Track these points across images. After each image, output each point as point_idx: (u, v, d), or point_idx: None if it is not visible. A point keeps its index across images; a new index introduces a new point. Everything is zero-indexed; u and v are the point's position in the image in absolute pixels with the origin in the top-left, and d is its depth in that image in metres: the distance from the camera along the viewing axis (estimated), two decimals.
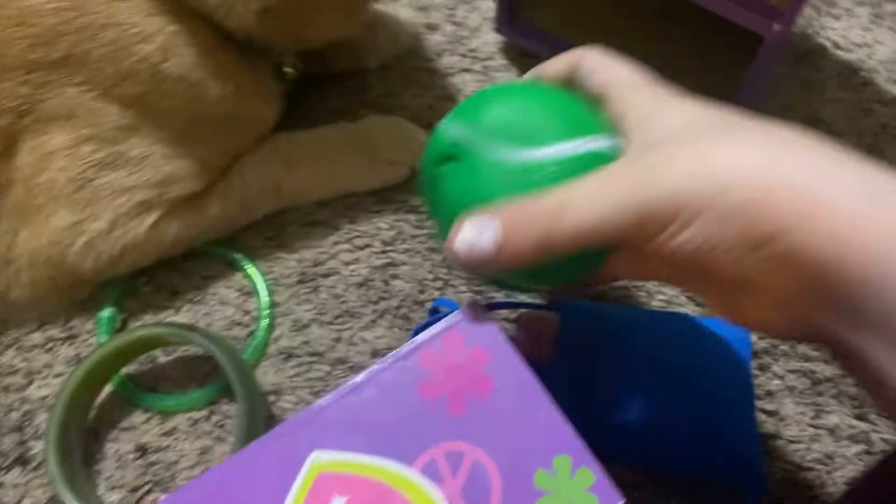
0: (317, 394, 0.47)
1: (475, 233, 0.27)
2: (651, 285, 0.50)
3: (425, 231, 0.52)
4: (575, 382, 0.41)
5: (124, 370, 0.48)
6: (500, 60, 0.59)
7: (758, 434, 0.42)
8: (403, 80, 0.58)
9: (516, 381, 0.30)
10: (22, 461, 0.46)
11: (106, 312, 0.49)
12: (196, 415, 0.47)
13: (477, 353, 0.30)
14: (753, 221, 0.22)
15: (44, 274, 0.46)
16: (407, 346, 0.31)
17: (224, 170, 0.49)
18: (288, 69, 0.50)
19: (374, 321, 0.50)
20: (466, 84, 0.57)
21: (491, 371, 0.30)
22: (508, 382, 0.30)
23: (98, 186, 0.44)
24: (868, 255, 0.21)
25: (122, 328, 0.50)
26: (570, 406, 0.33)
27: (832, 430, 0.46)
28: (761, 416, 0.46)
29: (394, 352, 0.31)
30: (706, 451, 0.41)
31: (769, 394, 0.47)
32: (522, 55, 0.58)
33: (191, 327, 0.45)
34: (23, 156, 0.43)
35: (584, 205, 0.26)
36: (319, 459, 0.28)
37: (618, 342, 0.43)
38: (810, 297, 0.23)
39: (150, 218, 0.46)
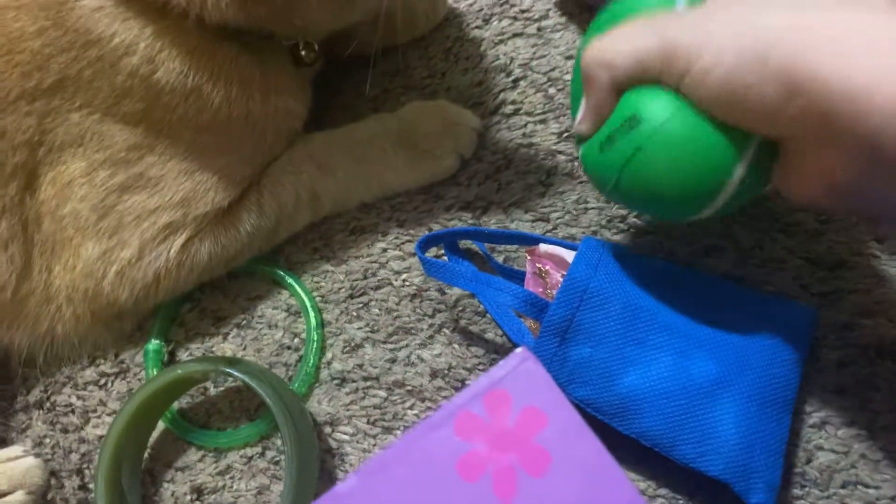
0: (374, 423, 0.43)
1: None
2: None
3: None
4: (575, 332, 0.35)
5: (176, 405, 0.45)
6: (555, 19, 0.50)
7: (783, 440, 0.35)
8: (446, 56, 0.51)
9: (582, 453, 0.24)
10: None
11: (152, 345, 0.46)
12: (250, 451, 0.44)
13: (529, 418, 0.24)
14: (783, 68, 0.25)
15: (84, 308, 0.44)
16: (440, 412, 0.25)
17: (252, 179, 0.45)
18: (303, 52, 0.44)
19: (430, 337, 0.44)
20: (519, 51, 0.50)
21: (548, 441, 0.24)
22: (571, 455, 0.24)
23: (121, 212, 0.41)
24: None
25: (171, 359, 0.47)
26: (560, 359, 0.33)
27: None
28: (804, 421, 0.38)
29: (425, 418, 0.25)
30: (714, 442, 0.34)
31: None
32: (581, 9, 0.50)
33: (231, 361, 0.42)
34: (46, 189, 0.41)
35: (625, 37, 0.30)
36: None
37: (641, 298, 0.36)
38: (842, 155, 0.25)
39: (179, 240, 0.43)
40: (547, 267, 0.41)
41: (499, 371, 0.25)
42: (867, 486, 0.37)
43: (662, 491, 0.38)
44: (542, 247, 0.41)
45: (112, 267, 0.42)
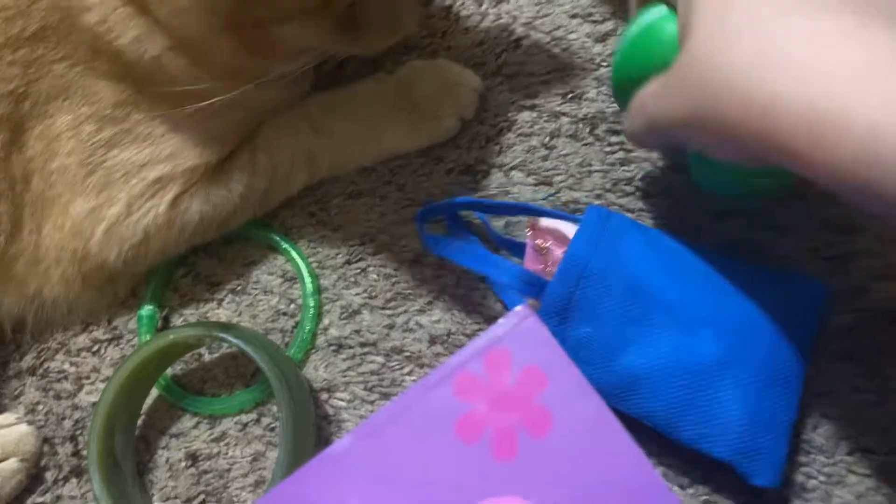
0: (371, 389, 0.42)
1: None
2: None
3: (482, 193, 0.45)
4: (575, 311, 0.34)
5: (170, 371, 0.44)
6: None
7: (790, 421, 0.34)
8: (446, 15, 0.49)
9: (584, 413, 0.23)
10: (78, 472, 0.44)
11: (145, 311, 0.45)
12: (245, 418, 0.43)
13: (530, 377, 0.23)
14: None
15: (74, 270, 0.43)
16: (437, 371, 0.24)
17: (245, 135, 0.43)
18: None
19: (430, 303, 0.43)
20: (522, 10, 0.48)
21: (550, 400, 0.23)
22: (573, 415, 0.23)
23: (109, 168, 0.40)
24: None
25: (165, 325, 0.46)
26: (560, 339, 0.31)
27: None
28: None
29: (422, 378, 0.24)
30: (717, 423, 0.33)
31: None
32: None
33: (226, 326, 0.41)
34: (33, 144, 0.40)
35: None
36: None
37: (643, 275, 0.35)
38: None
39: (168, 195, 0.41)
40: (548, 243, 0.40)
41: (498, 329, 0.24)
42: (874, 453, 0.36)
43: (662, 469, 0.37)
44: (543, 221, 0.40)
45: (100, 225, 0.41)
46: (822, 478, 0.36)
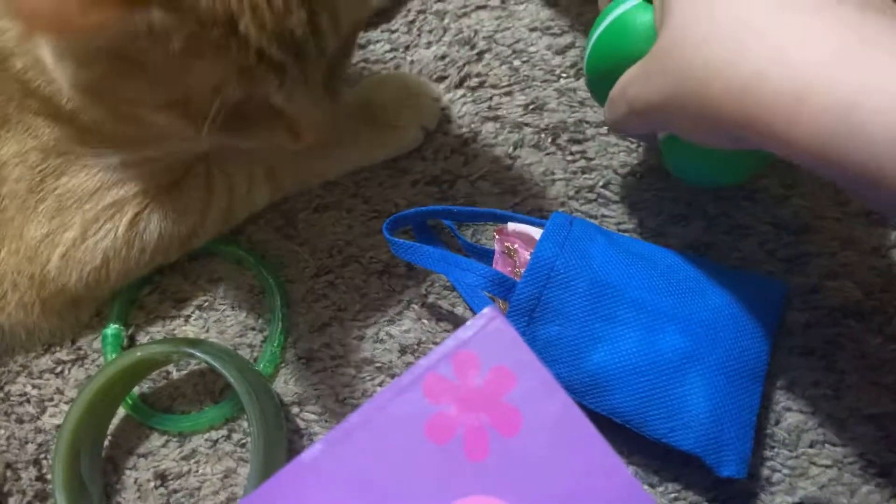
0: (343, 401, 0.42)
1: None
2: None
3: (449, 203, 0.45)
4: (543, 311, 0.35)
5: (137, 390, 0.44)
6: None
7: (753, 412, 0.35)
8: (409, 29, 0.50)
9: (553, 411, 0.23)
10: (42, 497, 0.43)
11: (110, 330, 0.45)
12: (215, 434, 0.43)
13: (499, 377, 0.24)
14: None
15: (31, 295, 0.42)
16: (406, 375, 0.24)
17: (200, 155, 0.43)
18: None
19: (399, 313, 0.43)
20: (483, 24, 0.49)
21: (518, 400, 0.23)
22: (543, 414, 0.23)
23: (60, 195, 0.40)
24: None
25: (131, 344, 0.45)
26: (529, 339, 0.34)
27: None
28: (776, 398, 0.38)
29: (391, 383, 0.24)
30: (684, 417, 0.34)
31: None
32: None
33: (193, 342, 0.41)
34: None
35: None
36: None
37: (608, 274, 0.36)
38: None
39: (126, 217, 0.41)
40: (515, 245, 0.40)
41: (466, 332, 0.24)
42: (834, 445, 0.37)
43: (632, 468, 0.38)
44: (511, 225, 0.41)
45: (56, 250, 0.40)
46: (786, 470, 0.37)
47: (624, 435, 0.36)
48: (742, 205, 0.42)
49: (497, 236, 0.41)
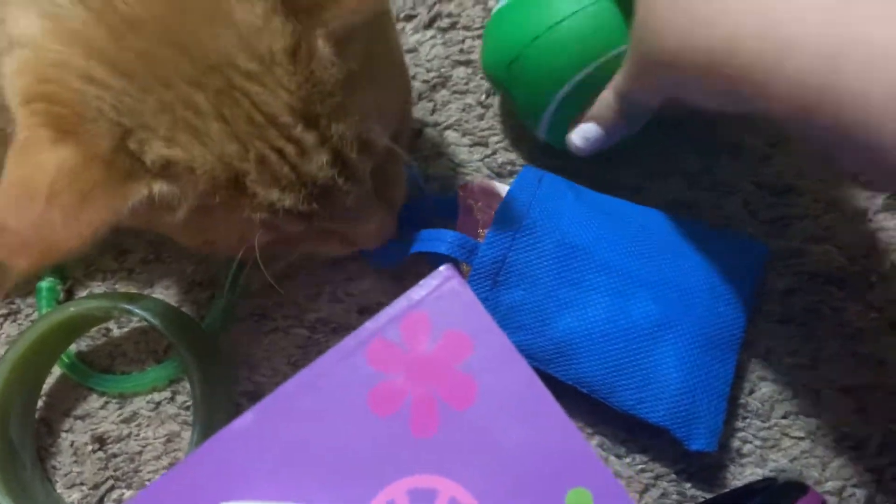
0: (295, 363, 0.40)
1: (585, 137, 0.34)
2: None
3: (414, 154, 0.42)
4: (507, 274, 0.33)
5: (74, 348, 0.41)
6: None
7: (727, 383, 0.33)
8: None
9: (511, 381, 0.21)
10: None
11: (45, 283, 0.41)
12: (158, 396, 0.40)
13: (452, 343, 0.21)
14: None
15: None
16: (349, 339, 0.21)
17: None
18: None
19: (359, 270, 0.41)
20: None
21: (473, 368, 0.21)
22: (500, 384, 0.21)
23: None
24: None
25: (68, 299, 0.42)
26: (492, 304, 0.31)
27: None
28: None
29: (333, 347, 0.22)
30: (655, 387, 0.32)
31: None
32: None
33: (133, 298, 0.37)
34: None
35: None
36: None
37: (577, 235, 0.33)
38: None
39: None
40: (479, 203, 0.37)
41: (418, 291, 0.22)
42: (808, 416, 0.36)
43: (598, 438, 0.36)
44: (476, 181, 0.38)
45: None
46: (757, 442, 0.36)
47: (589, 403, 0.34)
48: (724, 161, 0.39)
49: (461, 193, 0.38)
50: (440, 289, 0.22)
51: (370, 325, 0.21)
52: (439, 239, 0.33)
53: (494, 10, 0.36)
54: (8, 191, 0.23)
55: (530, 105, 0.35)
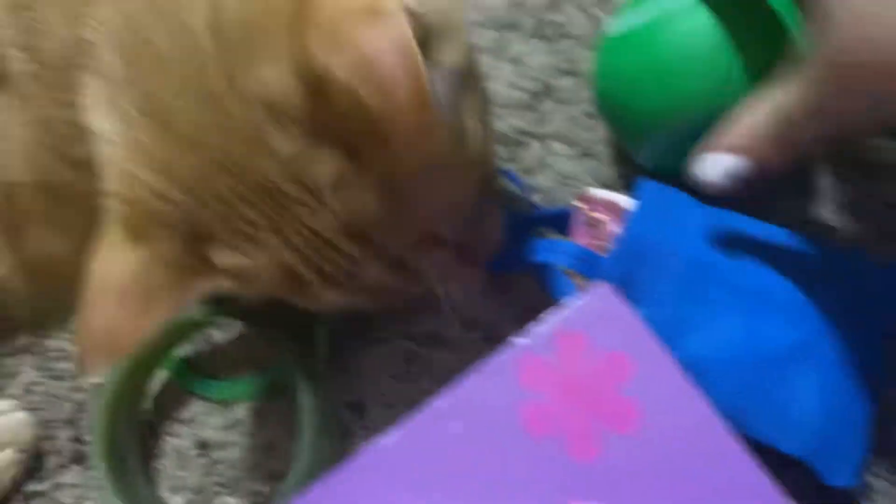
0: (396, 377, 0.39)
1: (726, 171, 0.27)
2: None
3: (517, 166, 0.41)
4: (632, 292, 0.29)
5: (180, 353, 0.41)
6: None
7: (868, 413, 0.31)
8: None
9: (679, 406, 0.19)
10: (78, 459, 0.41)
11: None
12: (258, 404, 0.40)
13: (612, 365, 0.20)
14: None
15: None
16: (499, 357, 0.21)
17: None
18: None
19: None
20: None
21: (637, 392, 0.20)
22: (666, 409, 0.19)
23: None
24: None
25: None
26: None
27: None
28: None
29: (480, 364, 0.21)
30: (793, 416, 0.30)
31: None
32: None
33: (237, 303, 0.37)
34: None
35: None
36: None
37: (708, 253, 0.32)
38: None
39: None
40: (599, 215, 0.36)
41: (573, 309, 0.21)
42: None
43: None
44: (594, 191, 0.36)
45: None
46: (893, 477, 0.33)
47: None
48: (851, 180, 0.37)
49: (579, 204, 0.36)
50: (597, 306, 0.21)
51: (522, 341, 0.21)
52: (560, 250, 0.32)
53: (611, 34, 0.35)
54: (92, 290, 0.25)
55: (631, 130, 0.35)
